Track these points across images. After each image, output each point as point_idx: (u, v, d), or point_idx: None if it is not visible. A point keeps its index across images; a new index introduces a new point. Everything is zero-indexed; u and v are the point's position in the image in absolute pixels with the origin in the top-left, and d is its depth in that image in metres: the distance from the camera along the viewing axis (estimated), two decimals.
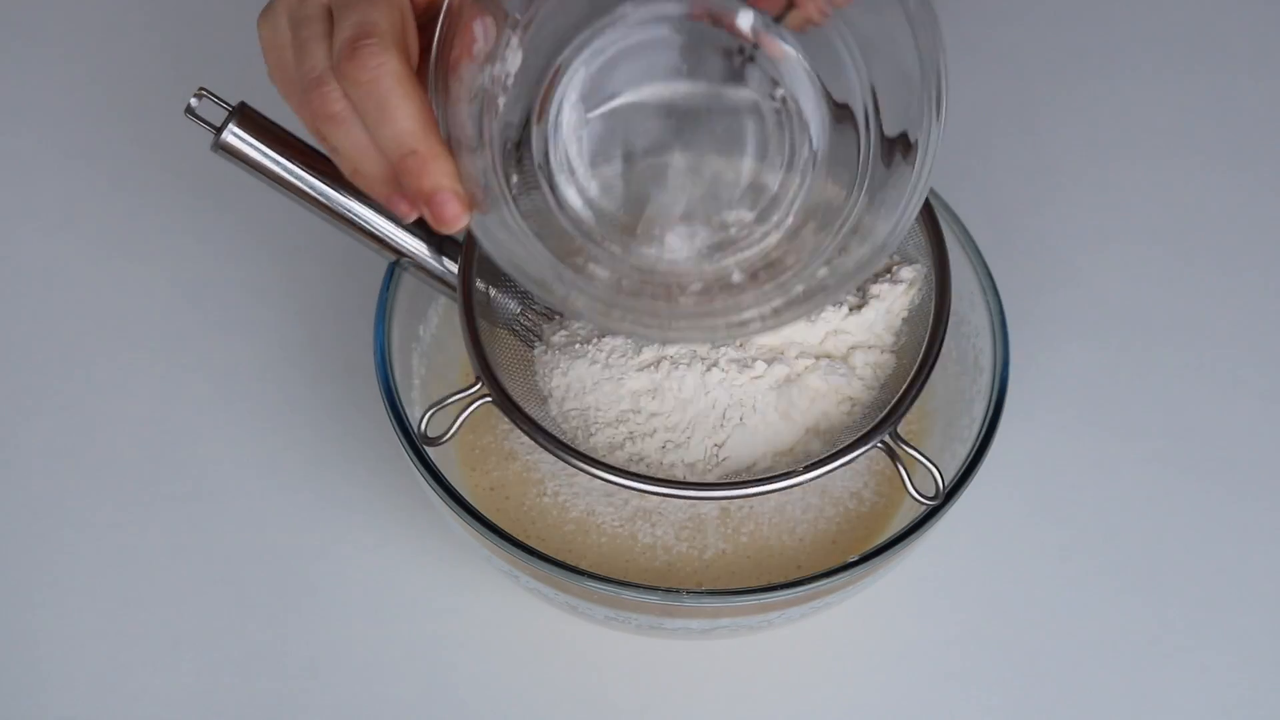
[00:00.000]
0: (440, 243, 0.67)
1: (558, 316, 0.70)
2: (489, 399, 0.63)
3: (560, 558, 0.64)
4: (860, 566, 0.64)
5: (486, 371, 0.64)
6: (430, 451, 0.66)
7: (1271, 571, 0.76)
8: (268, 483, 0.77)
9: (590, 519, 0.71)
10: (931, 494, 0.63)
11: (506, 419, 0.73)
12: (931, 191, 0.71)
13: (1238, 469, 0.79)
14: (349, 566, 0.75)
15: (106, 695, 0.71)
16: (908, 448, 0.63)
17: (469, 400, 0.63)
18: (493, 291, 0.68)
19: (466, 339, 0.65)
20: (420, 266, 0.68)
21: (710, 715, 0.72)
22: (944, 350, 0.74)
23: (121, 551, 0.75)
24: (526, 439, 0.72)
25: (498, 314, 0.68)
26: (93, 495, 0.77)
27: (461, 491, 0.65)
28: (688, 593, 0.63)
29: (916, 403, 0.74)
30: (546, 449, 0.63)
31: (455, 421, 0.63)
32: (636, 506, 0.71)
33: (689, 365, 0.66)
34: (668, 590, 0.63)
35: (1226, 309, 0.84)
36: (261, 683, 0.72)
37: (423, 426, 0.64)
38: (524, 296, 0.69)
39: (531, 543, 0.65)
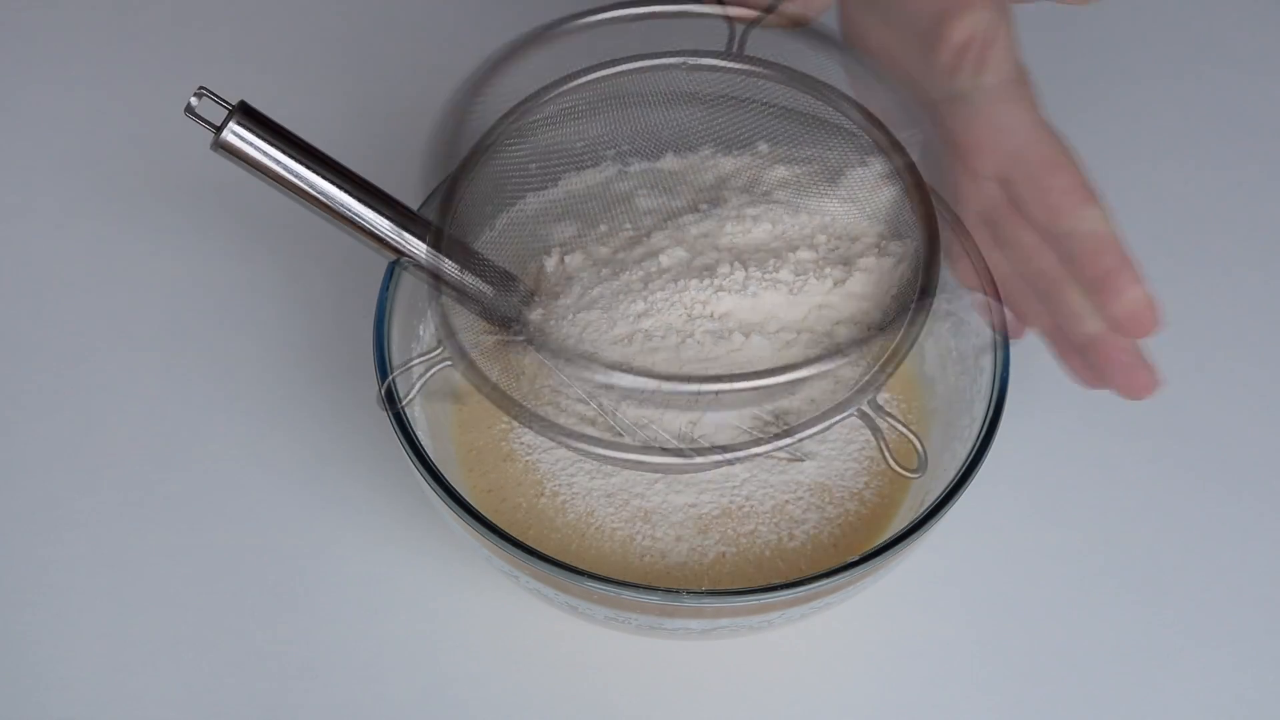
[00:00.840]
0: (438, 242, 0.67)
1: (535, 298, 0.70)
2: (449, 363, 0.63)
3: (560, 558, 0.64)
4: (860, 567, 0.64)
5: (448, 333, 0.63)
6: (429, 452, 0.66)
7: (1271, 571, 0.76)
8: (268, 482, 0.77)
9: (590, 520, 0.71)
10: (913, 467, 0.62)
11: (503, 420, 0.74)
12: (931, 190, 0.71)
13: (1238, 469, 0.79)
14: (349, 566, 0.75)
15: (106, 695, 0.71)
16: (889, 418, 0.62)
17: (431, 362, 0.63)
18: (468, 278, 0.68)
19: (431, 301, 0.65)
20: (420, 266, 0.68)
21: (710, 715, 0.72)
22: (945, 350, 0.74)
23: (121, 551, 0.75)
24: (526, 439, 0.73)
25: (471, 297, 0.68)
26: (91, 495, 0.76)
27: (460, 492, 0.65)
28: (688, 593, 0.63)
29: (918, 402, 0.75)
30: (507, 412, 0.62)
31: (415, 384, 0.63)
32: (636, 508, 0.71)
33: (663, 338, 0.65)
34: (667, 590, 0.63)
35: (1226, 309, 0.84)
36: (260, 683, 0.72)
37: (383, 390, 0.64)
38: (501, 280, 0.69)
39: (531, 543, 0.65)
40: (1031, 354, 0.76)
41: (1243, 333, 0.83)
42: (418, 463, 0.65)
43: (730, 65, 0.68)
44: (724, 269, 0.67)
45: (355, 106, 0.90)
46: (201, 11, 0.94)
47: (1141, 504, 0.78)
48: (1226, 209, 0.88)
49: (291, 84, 0.90)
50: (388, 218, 0.67)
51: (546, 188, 0.74)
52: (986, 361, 0.69)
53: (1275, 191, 0.89)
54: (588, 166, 0.74)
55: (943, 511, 0.65)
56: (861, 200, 0.69)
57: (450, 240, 0.67)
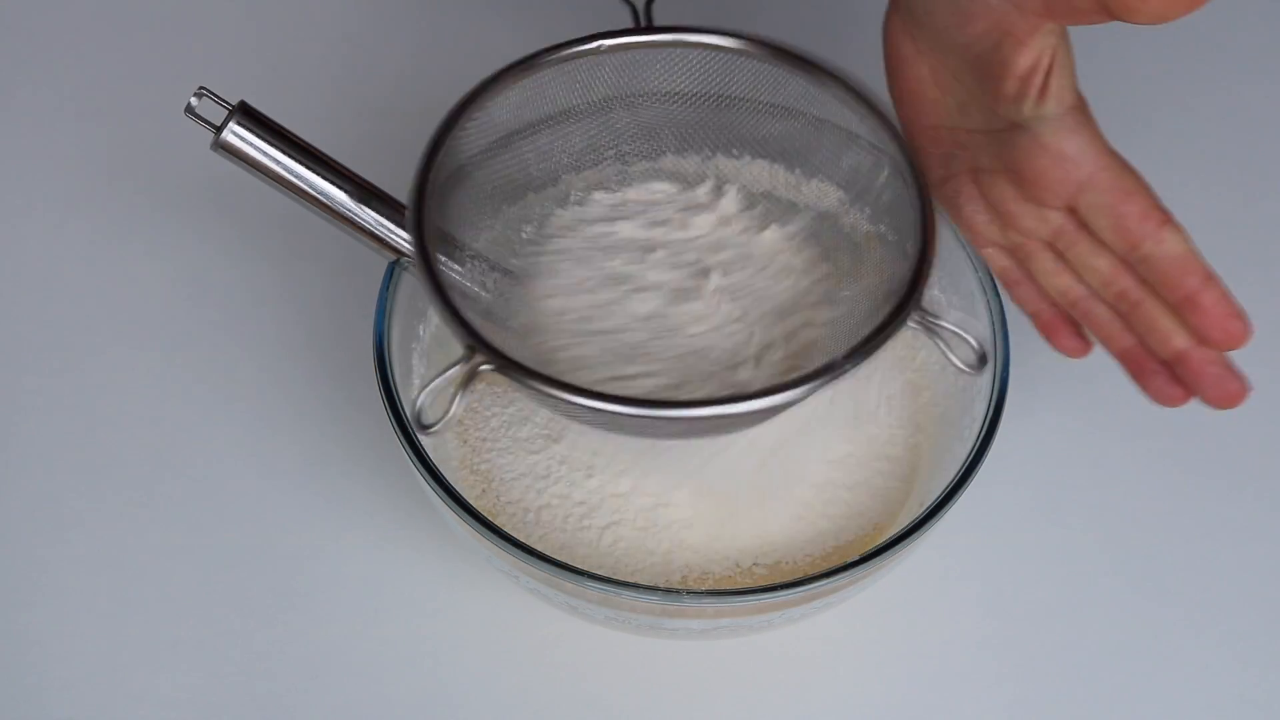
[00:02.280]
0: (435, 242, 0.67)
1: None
2: (490, 366, 0.60)
3: (559, 558, 0.64)
4: (860, 567, 0.64)
5: (475, 336, 0.61)
6: (429, 451, 0.65)
7: (1272, 571, 0.76)
8: (267, 483, 0.77)
9: (589, 519, 0.71)
10: (973, 362, 0.62)
11: (500, 419, 0.74)
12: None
13: (1239, 468, 0.79)
14: (348, 566, 0.75)
15: (106, 695, 0.71)
16: (938, 320, 0.62)
17: (468, 373, 0.60)
18: (467, 278, 0.68)
19: (442, 310, 0.62)
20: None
21: (710, 715, 0.72)
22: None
23: (120, 551, 0.75)
24: (521, 436, 0.73)
25: (469, 298, 0.68)
26: (91, 495, 0.76)
27: (460, 491, 0.65)
28: (688, 593, 0.63)
29: (916, 403, 0.75)
30: (557, 399, 0.60)
31: (453, 402, 0.59)
32: (637, 506, 0.71)
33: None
34: (667, 590, 0.63)
35: None
36: (260, 683, 0.72)
37: (417, 410, 0.60)
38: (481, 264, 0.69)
39: (531, 543, 0.65)
40: (1031, 355, 0.76)
41: None
42: (417, 463, 0.65)
43: (672, 39, 0.68)
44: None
45: (355, 106, 0.90)
46: (201, 11, 0.94)
47: (1142, 504, 0.78)
48: (1226, 209, 0.88)
49: (292, 84, 0.90)
50: (388, 218, 0.67)
51: (546, 187, 0.74)
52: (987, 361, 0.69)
53: (1275, 191, 0.89)
54: (588, 166, 0.74)
55: (942, 511, 0.65)
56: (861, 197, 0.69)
57: (447, 239, 0.67)
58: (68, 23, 0.93)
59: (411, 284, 0.69)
